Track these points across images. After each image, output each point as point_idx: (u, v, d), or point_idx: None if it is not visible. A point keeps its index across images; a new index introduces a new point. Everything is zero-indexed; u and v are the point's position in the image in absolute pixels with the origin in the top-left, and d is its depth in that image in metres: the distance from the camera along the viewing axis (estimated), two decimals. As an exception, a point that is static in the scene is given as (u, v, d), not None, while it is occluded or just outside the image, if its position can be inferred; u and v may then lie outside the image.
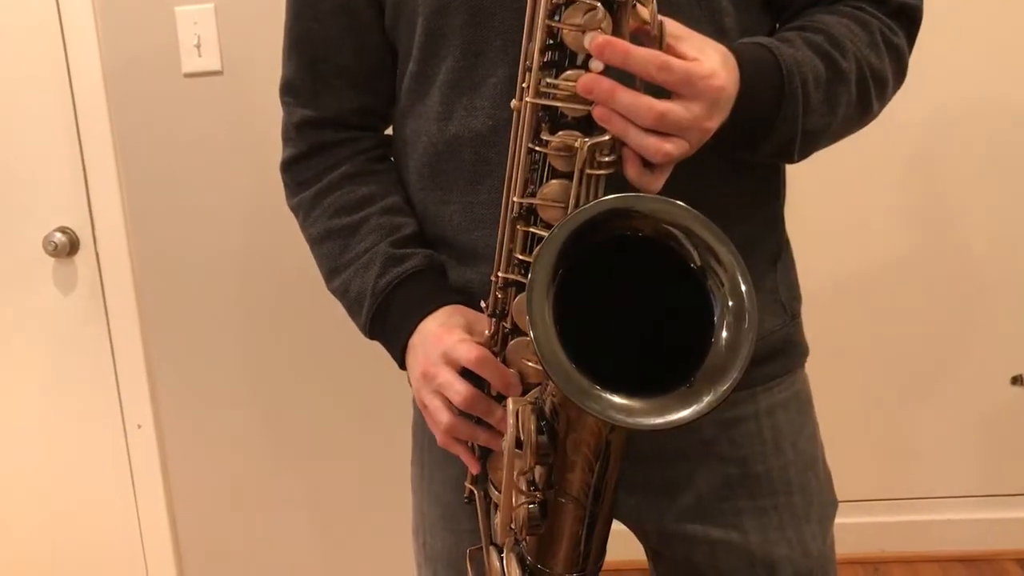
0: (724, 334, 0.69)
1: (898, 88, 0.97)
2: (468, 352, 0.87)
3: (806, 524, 1.02)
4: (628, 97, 0.74)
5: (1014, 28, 2.09)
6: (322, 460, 2.10)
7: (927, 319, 2.25)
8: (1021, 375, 2.29)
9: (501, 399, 0.88)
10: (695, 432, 0.99)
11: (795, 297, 1.05)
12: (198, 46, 1.89)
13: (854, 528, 2.31)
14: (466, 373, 0.89)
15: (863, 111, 0.93)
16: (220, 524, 2.14)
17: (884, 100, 0.95)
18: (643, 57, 0.73)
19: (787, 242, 1.05)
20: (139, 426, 2.07)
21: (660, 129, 0.74)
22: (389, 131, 1.10)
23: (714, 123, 0.78)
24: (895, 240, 2.22)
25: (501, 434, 0.88)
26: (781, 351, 1.02)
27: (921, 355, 2.28)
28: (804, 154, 0.92)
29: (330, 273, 1.03)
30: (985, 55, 2.09)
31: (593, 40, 0.74)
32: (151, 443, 2.08)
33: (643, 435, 0.97)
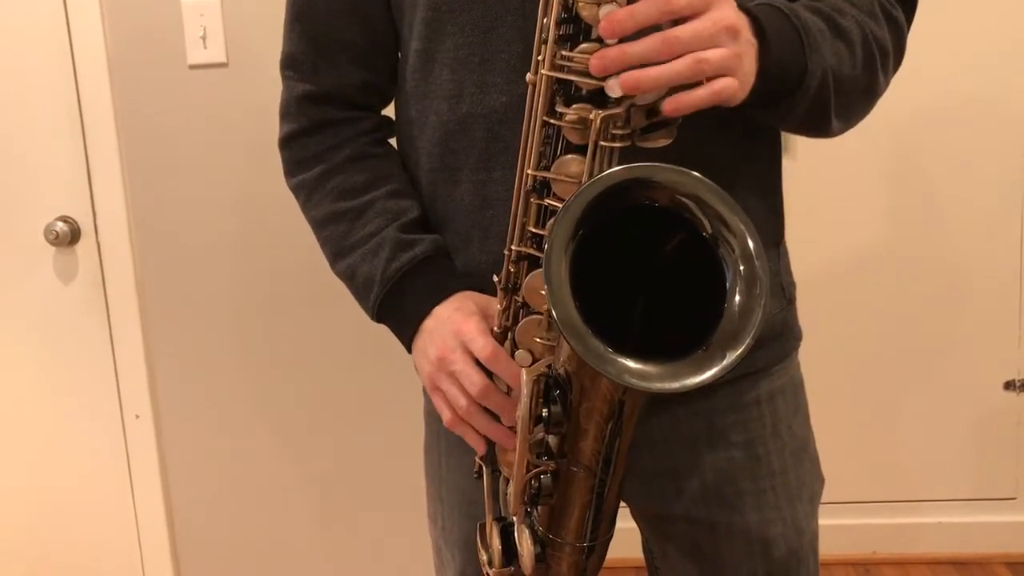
0: (737, 299, 0.71)
1: (898, 65, 0.97)
2: (483, 348, 0.88)
3: (799, 503, 1.04)
4: (637, 45, 0.74)
5: (1010, 25, 2.11)
6: (321, 451, 2.10)
7: (920, 324, 2.27)
8: (1014, 380, 2.30)
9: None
10: (705, 418, 1.00)
11: (792, 282, 1.07)
12: (204, 38, 1.90)
13: (845, 529, 2.32)
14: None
15: (870, 78, 0.93)
16: (217, 515, 2.14)
17: (887, 72, 0.95)
18: (648, 6, 0.74)
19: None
20: (137, 416, 2.07)
21: (684, 50, 0.75)
22: (386, 111, 1.10)
23: (737, 16, 0.78)
24: (888, 243, 2.23)
25: (513, 432, 0.88)
26: (780, 335, 1.03)
27: (914, 359, 2.29)
28: (842, 111, 0.90)
29: (335, 255, 1.03)
30: (983, 50, 2.11)
31: (601, 29, 0.75)
32: (149, 433, 2.07)
33: (654, 418, 0.98)
